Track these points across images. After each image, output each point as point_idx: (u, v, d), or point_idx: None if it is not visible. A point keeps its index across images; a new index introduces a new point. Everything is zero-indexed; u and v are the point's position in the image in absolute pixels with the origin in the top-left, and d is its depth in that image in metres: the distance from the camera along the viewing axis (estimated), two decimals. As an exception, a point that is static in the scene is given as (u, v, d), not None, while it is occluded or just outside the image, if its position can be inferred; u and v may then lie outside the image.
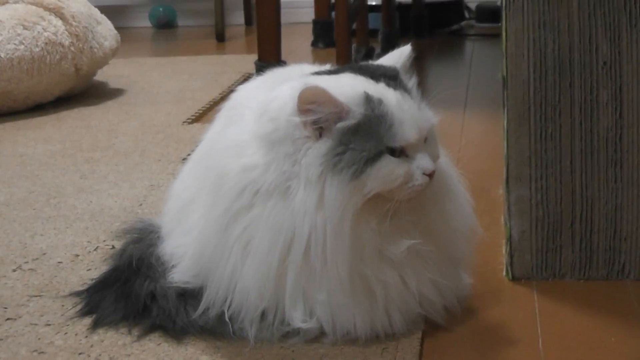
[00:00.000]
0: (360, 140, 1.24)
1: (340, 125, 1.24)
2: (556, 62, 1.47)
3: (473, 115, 2.71)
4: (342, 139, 1.24)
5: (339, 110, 1.24)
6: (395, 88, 1.28)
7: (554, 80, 1.47)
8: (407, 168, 1.25)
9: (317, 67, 1.45)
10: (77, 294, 1.49)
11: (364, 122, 1.24)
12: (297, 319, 1.28)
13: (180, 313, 1.34)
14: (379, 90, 1.27)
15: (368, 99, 1.25)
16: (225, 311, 1.30)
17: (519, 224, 1.52)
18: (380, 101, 1.25)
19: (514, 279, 1.53)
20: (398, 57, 1.37)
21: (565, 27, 1.46)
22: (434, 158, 1.29)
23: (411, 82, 1.33)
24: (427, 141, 1.29)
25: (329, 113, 1.23)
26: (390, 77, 1.30)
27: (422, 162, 1.26)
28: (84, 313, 1.42)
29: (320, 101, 1.23)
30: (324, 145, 1.25)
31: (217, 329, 1.32)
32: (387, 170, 1.24)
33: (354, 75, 1.30)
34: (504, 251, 1.57)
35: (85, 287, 1.51)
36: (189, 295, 1.35)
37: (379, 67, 1.34)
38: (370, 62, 1.39)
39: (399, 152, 1.25)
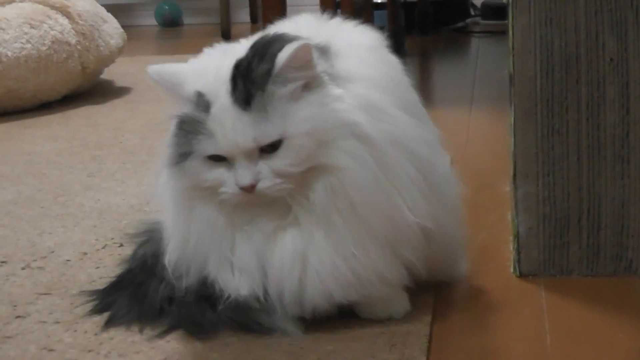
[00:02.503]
0: (183, 133, 1.25)
1: (169, 115, 1.28)
2: (563, 58, 1.47)
3: (479, 112, 2.71)
4: (178, 123, 1.27)
5: (179, 98, 1.26)
6: (237, 95, 1.22)
7: (560, 77, 1.47)
8: (217, 175, 1.25)
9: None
10: (88, 293, 1.49)
11: (186, 119, 1.25)
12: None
13: (205, 313, 1.34)
14: (218, 91, 1.24)
15: (198, 99, 1.24)
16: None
17: (526, 221, 1.52)
18: (207, 105, 1.23)
19: (522, 275, 1.53)
20: (287, 53, 1.23)
21: (572, 24, 1.46)
22: (277, 171, 1.23)
23: (289, 87, 1.22)
24: (278, 153, 1.23)
25: (172, 97, 1.28)
26: (254, 76, 1.23)
27: (237, 174, 1.24)
28: (96, 311, 1.43)
29: (163, 84, 1.27)
30: (173, 122, 1.29)
31: (243, 320, 1.33)
32: (194, 171, 1.26)
33: (230, 60, 1.26)
34: (511, 248, 1.57)
35: (96, 286, 1.51)
36: (208, 298, 1.35)
37: (263, 59, 1.24)
38: (271, 43, 1.27)
39: (221, 156, 1.24)
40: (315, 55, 1.25)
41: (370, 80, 1.31)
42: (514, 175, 1.52)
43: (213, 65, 1.27)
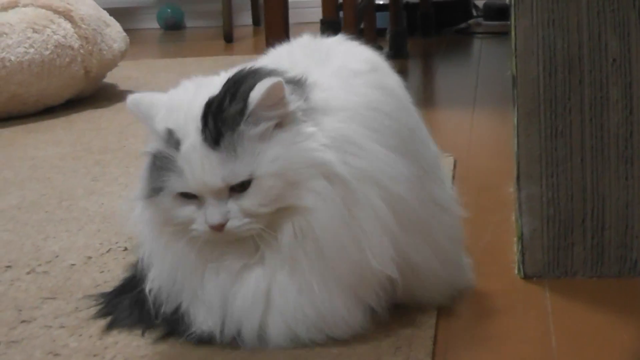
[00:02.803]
0: (155, 168, 1.26)
1: (142, 150, 1.30)
2: (566, 59, 1.47)
3: (482, 113, 2.71)
4: (151, 157, 1.27)
5: (152, 131, 1.27)
6: (207, 134, 1.21)
7: (563, 78, 1.47)
8: (188, 212, 1.25)
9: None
10: (93, 297, 1.49)
11: (158, 155, 1.25)
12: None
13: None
14: (188, 129, 1.23)
15: (169, 136, 1.24)
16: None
17: (530, 222, 1.52)
18: (177, 143, 1.23)
19: (526, 277, 1.53)
20: (260, 90, 1.22)
21: (575, 25, 1.46)
22: (246, 211, 1.23)
23: (261, 126, 1.22)
24: (247, 193, 1.22)
25: (147, 129, 1.29)
26: (225, 116, 1.22)
27: (207, 212, 1.23)
28: (100, 315, 1.43)
29: (139, 116, 1.29)
30: (147, 156, 1.29)
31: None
32: (166, 207, 1.26)
33: (203, 97, 1.25)
34: (515, 249, 1.57)
35: (100, 290, 1.52)
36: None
37: (235, 97, 1.23)
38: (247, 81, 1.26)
39: (191, 194, 1.24)
40: (289, 91, 1.24)
41: (349, 110, 1.28)
42: (518, 176, 1.52)
43: (186, 101, 1.26)
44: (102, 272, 1.62)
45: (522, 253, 1.53)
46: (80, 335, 1.38)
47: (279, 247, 1.25)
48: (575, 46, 1.47)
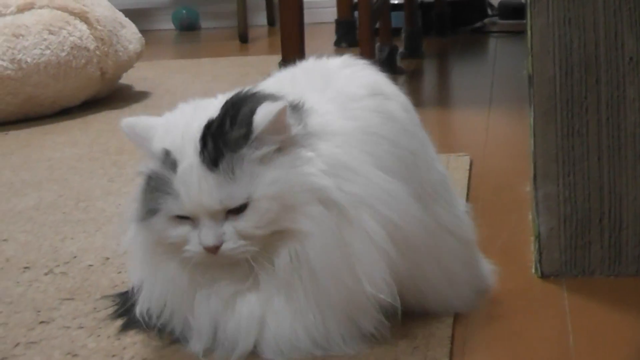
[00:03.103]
0: (150, 189, 1.25)
1: (138, 170, 1.29)
2: (582, 58, 1.47)
3: (498, 113, 2.71)
4: (146, 178, 1.27)
5: (148, 153, 1.27)
6: (205, 155, 1.21)
7: (580, 77, 1.47)
8: (182, 232, 1.24)
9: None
10: (111, 297, 1.50)
11: (154, 176, 1.24)
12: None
13: None
14: (186, 150, 1.22)
15: (165, 157, 1.24)
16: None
17: (547, 221, 1.52)
18: (174, 164, 1.22)
19: (543, 276, 1.53)
20: (266, 115, 1.22)
21: (591, 24, 1.46)
22: (242, 233, 1.22)
23: (263, 150, 1.21)
24: (243, 215, 1.22)
25: (143, 152, 1.28)
26: (228, 138, 1.22)
27: (202, 233, 1.23)
28: (118, 315, 1.44)
29: (134, 139, 1.28)
30: (141, 177, 1.29)
31: None
32: (158, 228, 1.25)
33: (201, 119, 1.24)
34: (532, 248, 1.57)
35: (118, 291, 1.53)
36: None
37: (235, 120, 1.23)
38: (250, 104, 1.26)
39: (185, 216, 1.24)
40: (288, 115, 1.24)
41: (345, 135, 1.28)
42: (535, 175, 1.52)
43: (183, 122, 1.26)
44: (120, 272, 1.62)
45: (540, 252, 1.53)
46: (99, 335, 1.38)
47: (275, 271, 1.25)
48: (592, 45, 1.46)
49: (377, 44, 3.27)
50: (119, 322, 1.42)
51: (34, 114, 2.98)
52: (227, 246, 1.23)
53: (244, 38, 4.50)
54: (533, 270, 1.54)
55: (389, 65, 3.38)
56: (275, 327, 1.25)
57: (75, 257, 1.72)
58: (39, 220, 1.95)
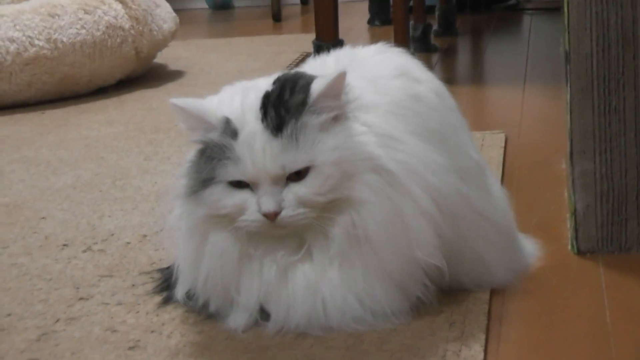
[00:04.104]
0: (204, 160, 1.26)
1: (193, 139, 1.29)
2: (619, 35, 1.46)
3: (532, 90, 2.70)
4: (199, 152, 1.28)
5: (202, 126, 1.27)
6: (269, 121, 1.23)
7: (617, 54, 1.47)
8: (239, 200, 1.25)
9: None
10: (148, 274, 1.52)
11: (211, 145, 1.25)
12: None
13: None
14: (247, 118, 1.24)
15: (225, 125, 1.25)
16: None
17: (584, 198, 1.52)
18: (235, 132, 1.24)
19: (580, 253, 1.53)
20: (324, 80, 1.25)
21: (628, 0, 1.45)
22: (301, 200, 1.23)
23: (322, 117, 1.24)
24: (304, 181, 1.23)
25: (193, 126, 1.28)
26: (288, 105, 1.24)
27: (261, 200, 1.23)
28: (158, 291, 1.45)
29: (185, 114, 1.28)
30: (191, 153, 1.30)
31: None
32: (215, 198, 1.26)
33: (256, 93, 1.26)
34: (568, 225, 1.57)
35: (156, 268, 1.55)
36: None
37: (294, 90, 1.26)
38: (300, 79, 1.29)
39: (243, 183, 1.25)
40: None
41: (379, 107, 1.31)
42: (571, 152, 1.51)
43: (238, 96, 1.28)
44: (157, 250, 1.64)
45: (576, 229, 1.53)
46: (137, 312, 1.40)
47: (330, 241, 1.26)
48: (629, 21, 1.46)
49: (411, 22, 3.26)
50: (158, 299, 1.43)
51: (70, 93, 3.00)
52: (286, 213, 1.24)
53: (277, 17, 4.50)
54: (569, 247, 1.54)
55: (422, 43, 3.37)
56: (328, 296, 1.27)
57: (112, 234, 1.73)
58: (77, 199, 1.96)
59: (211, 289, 1.32)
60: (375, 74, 1.37)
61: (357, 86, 1.31)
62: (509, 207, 1.46)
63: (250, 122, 1.24)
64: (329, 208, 1.25)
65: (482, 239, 1.35)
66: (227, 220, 1.27)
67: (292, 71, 1.33)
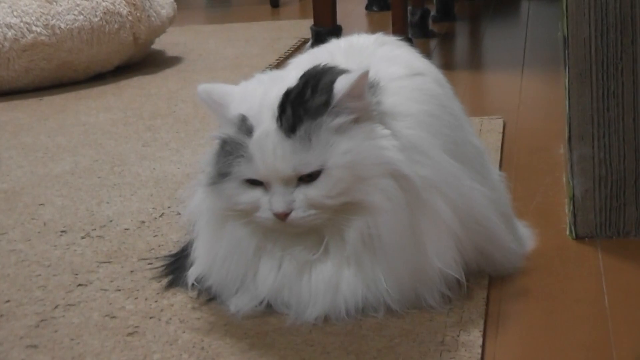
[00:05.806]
0: (223, 154, 1.26)
1: (213, 134, 1.30)
2: (617, 19, 1.46)
3: (531, 75, 2.70)
4: (220, 143, 1.28)
5: (223, 119, 1.28)
6: (283, 121, 1.22)
7: (615, 38, 1.46)
8: (252, 198, 1.25)
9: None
10: (147, 260, 1.52)
11: (229, 140, 1.25)
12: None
13: None
14: (263, 116, 1.24)
15: (241, 122, 1.25)
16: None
17: (582, 183, 1.52)
18: (250, 130, 1.24)
19: (578, 237, 1.53)
20: (348, 80, 1.24)
21: (627, -16, 1.45)
22: (311, 202, 1.23)
23: (341, 118, 1.23)
24: (315, 183, 1.23)
25: (217, 117, 1.29)
26: (308, 105, 1.23)
27: (272, 199, 1.24)
28: (159, 276, 1.46)
29: (210, 104, 1.29)
30: (215, 142, 1.30)
31: None
32: (229, 193, 1.26)
33: (280, 88, 1.26)
34: (567, 210, 1.57)
35: (155, 254, 1.55)
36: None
37: (316, 89, 1.24)
38: (325, 75, 1.27)
39: (257, 181, 1.25)
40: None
41: (415, 117, 1.30)
42: (569, 137, 1.51)
43: (261, 90, 1.27)
44: (156, 236, 1.64)
45: (574, 214, 1.53)
46: (136, 298, 1.40)
47: (344, 243, 1.26)
48: (627, 6, 1.45)
49: (409, 8, 3.25)
50: (157, 285, 1.43)
51: (68, 80, 3.00)
52: (296, 214, 1.24)
53: (275, 3, 4.49)
54: (568, 232, 1.54)
55: (420, 29, 3.36)
56: (347, 293, 1.27)
57: (111, 220, 1.73)
58: (75, 185, 1.96)
59: (224, 275, 1.32)
60: (404, 74, 1.37)
61: (395, 91, 1.31)
62: (506, 191, 1.46)
63: (266, 121, 1.23)
64: (344, 209, 1.25)
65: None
66: (244, 213, 1.28)
67: (320, 65, 1.30)
